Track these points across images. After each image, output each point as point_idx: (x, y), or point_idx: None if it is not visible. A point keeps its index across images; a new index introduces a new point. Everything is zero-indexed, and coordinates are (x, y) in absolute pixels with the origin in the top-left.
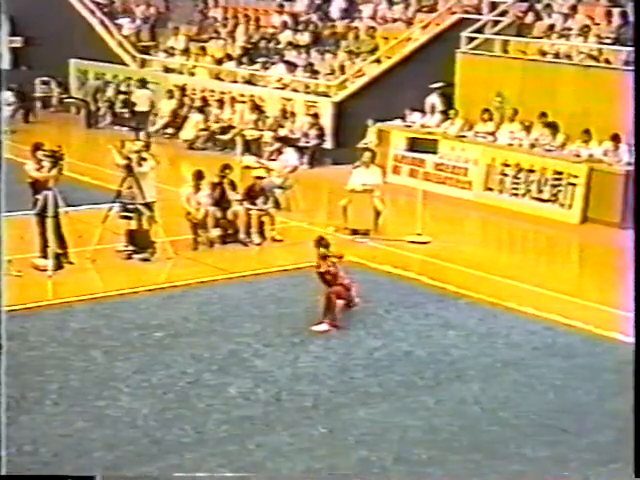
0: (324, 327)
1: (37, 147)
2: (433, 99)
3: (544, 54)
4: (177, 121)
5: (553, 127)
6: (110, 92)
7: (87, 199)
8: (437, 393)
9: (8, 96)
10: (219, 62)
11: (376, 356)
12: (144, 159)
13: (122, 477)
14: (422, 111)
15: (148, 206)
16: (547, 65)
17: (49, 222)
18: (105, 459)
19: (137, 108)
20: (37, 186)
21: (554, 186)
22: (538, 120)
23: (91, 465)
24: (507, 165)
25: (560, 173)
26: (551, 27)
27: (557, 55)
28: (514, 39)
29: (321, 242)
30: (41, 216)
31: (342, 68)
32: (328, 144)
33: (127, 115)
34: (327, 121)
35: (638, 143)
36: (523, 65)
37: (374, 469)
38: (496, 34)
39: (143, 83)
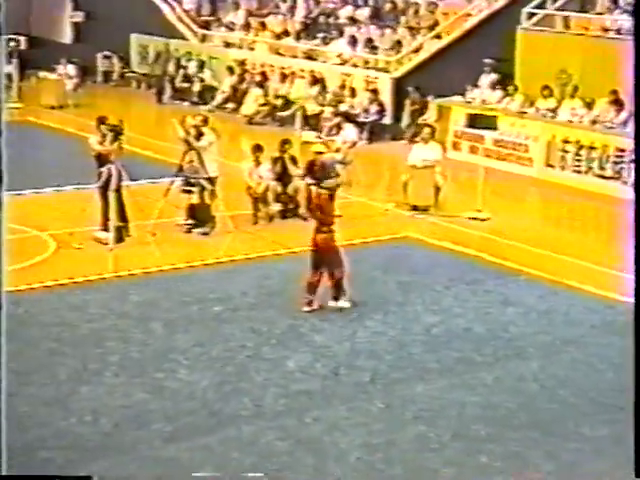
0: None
1: (101, 121)
2: (486, 76)
3: (606, 30)
4: (237, 96)
5: (618, 104)
6: (171, 67)
7: (149, 173)
8: (496, 370)
9: (70, 69)
10: (278, 37)
11: (434, 332)
12: (201, 134)
13: (119, 477)
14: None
15: (210, 180)
16: (609, 41)
17: (111, 195)
18: (164, 430)
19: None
20: (101, 160)
21: (616, 163)
22: (607, 97)
23: (150, 436)
24: (567, 142)
25: (623, 150)
26: (615, 2)
27: (619, 31)
28: (575, 15)
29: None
30: (104, 189)
31: (401, 44)
32: (387, 120)
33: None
34: (386, 97)
35: (637, 132)
36: (584, 41)
37: (432, 445)
38: (557, 10)
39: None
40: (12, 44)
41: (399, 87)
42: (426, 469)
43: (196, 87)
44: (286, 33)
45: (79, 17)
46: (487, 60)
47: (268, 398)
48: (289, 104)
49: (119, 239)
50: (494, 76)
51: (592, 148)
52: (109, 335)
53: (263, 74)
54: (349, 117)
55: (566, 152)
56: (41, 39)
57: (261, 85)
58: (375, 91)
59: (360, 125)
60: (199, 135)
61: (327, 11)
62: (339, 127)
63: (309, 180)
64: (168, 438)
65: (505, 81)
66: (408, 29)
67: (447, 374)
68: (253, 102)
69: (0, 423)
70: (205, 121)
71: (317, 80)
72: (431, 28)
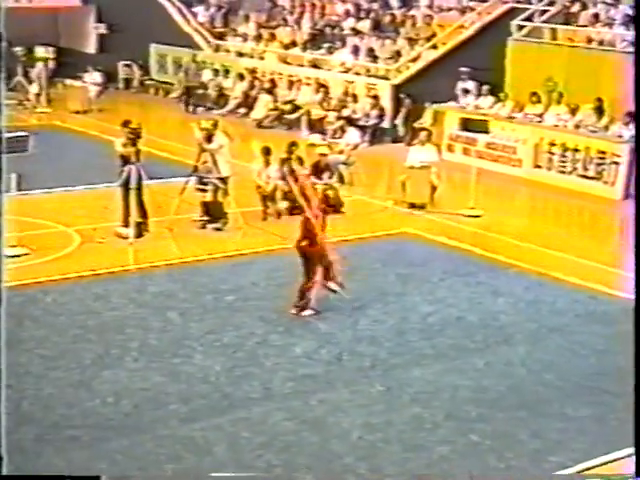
0: (308, 312)
1: (125, 124)
2: (466, 84)
3: (590, 41)
4: (248, 101)
5: (599, 110)
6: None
7: (166, 173)
8: (486, 356)
9: (96, 76)
10: (287, 47)
11: (430, 321)
12: (211, 136)
13: (128, 477)
14: (478, 93)
15: (223, 180)
16: (592, 52)
17: (132, 193)
18: (180, 411)
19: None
20: (124, 160)
21: (598, 164)
22: (592, 104)
23: (166, 417)
24: (553, 145)
25: (604, 152)
26: (596, 16)
27: (601, 43)
28: (561, 27)
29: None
30: (125, 188)
31: (400, 53)
32: (387, 123)
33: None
34: (386, 102)
35: (638, 133)
36: (570, 52)
37: (427, 425)
38: (545, 22)
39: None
40: (43, 54)
41: (398, 93)
42: (421, 447)
43: (212, 93)
44: (294, 43)
45: (102, 29)
46: (463, 69)
47: (276, 382)
48: (296, 109)
49: (139, 234)
50: (471, 83)
51: (576, 150)
52: (130, 323)
53: (272, 81)
54: (351, 121)
55: (552, 154)
56: (68, 49)
57: (270, 92)
58: (376, 97)
59: (362, 128)
60: (209, 138)
61: (332, 23)
62: (342, 130)
63: (314, 179)
64: (183, 419)
65: (494, 89)
66: (407, 40)
67: (441, 359)
68: (263, 107)
69: (0, 423)
70: (215, 125)
71: (322, 87)
72: (428, 39)
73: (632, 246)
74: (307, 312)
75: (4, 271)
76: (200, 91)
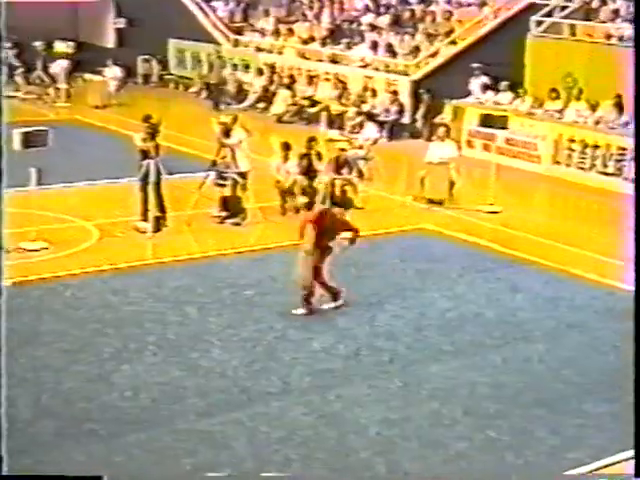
0: (301, 311)
1: (146, 119)
2: (479, 79)
3: (609, 37)
4: (267, 96)
5: (619, 107)
6: (205, 70)
7: (185, 167)
8: (504, 352)
9: (116, 71)
10: (305, 42)
11: (448, 316)
12: (229, 130)
13: (129, 478)
14: (495, 89)
15: (242, 174)
16: (612, 48)
17: (150, 188)
18: (198, 405)
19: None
20: (144, 155)
21: (618, 161)
22: (610, 100)
23: (185, 411)
24: (573, 141)
25: (624, 149)
26: (616, 12)
27: (621, 38)
28: (581, 23)
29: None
30: (144, 182)
31: (419, 49)
32: (406, 119)
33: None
34: (405, 98)
35: (637, 130)
36: (589, 47)
37: (445, 421)
38: (564, 18)
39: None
40: (62, 49)
41: (417, 89)
42: (439, 443)
43: (231, 88)
44: (312, 39)
45: (121, 23)
46: (475, 64)
47: (294, 376)
48: (315, 104)
49: (157, 229)
50: (484, 79)
51: (596, 147)
52: (148, 317)
53: (291, 77)
54: (371, 116)
55: (572, 150)
56: (87, 44)
57: (289, 87)
58: (395, 92)
59: (381, 124)
60: (227, 132)
61: (350, 18)
62: (361, 126)
63: (333, 175)
64: (202, 413)
65: (514, 85)
66: (426, 35)
67: (460, 355)
68: (282, 102)
69: (0, 423)
70: (234, 120)
71: (341, 82)
72: (447, 35)
73: (631, 242)
74: (339, 302)
75: (4, 267)
76: (220, 86)
